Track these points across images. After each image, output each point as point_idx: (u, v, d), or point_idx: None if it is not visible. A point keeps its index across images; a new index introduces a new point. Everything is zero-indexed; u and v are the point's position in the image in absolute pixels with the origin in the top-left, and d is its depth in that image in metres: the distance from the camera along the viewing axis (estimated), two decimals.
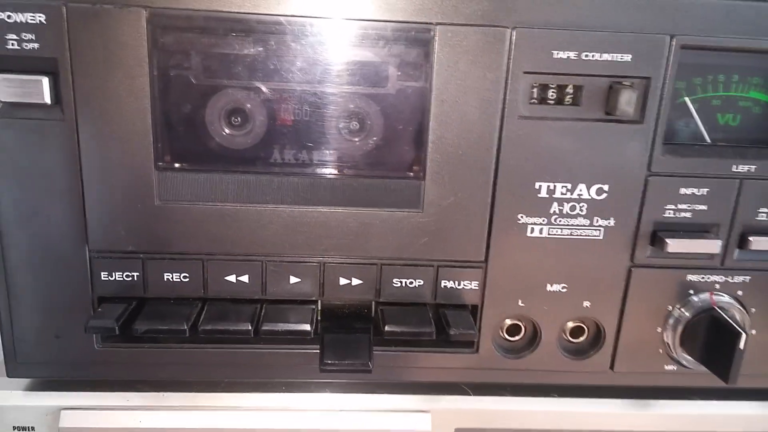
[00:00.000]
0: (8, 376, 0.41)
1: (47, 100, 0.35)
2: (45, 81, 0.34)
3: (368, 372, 0.37)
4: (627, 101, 0.37)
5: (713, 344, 0.41)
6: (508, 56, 0.37)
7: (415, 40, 0.37)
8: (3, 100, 0.34)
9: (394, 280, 0.40)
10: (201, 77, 0.37)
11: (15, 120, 0.35)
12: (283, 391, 0.43)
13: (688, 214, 0.40)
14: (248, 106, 0.38)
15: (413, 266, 0.40)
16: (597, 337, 0.43)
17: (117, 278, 0.39)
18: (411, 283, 0.40)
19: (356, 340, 0.39)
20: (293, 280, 0.40)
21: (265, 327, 0.38)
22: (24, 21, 0.34)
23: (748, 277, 0.42)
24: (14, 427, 0.42)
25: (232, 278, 0.39)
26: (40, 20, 0.34)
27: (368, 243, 0.39)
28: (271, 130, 0.38)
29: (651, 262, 0.41)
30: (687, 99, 0.40)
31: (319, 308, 0.41)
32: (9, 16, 0.33)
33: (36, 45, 0.34)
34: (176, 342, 0.40)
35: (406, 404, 0.43)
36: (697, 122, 0.41)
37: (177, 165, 0.37)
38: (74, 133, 0.36)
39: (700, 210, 0.40)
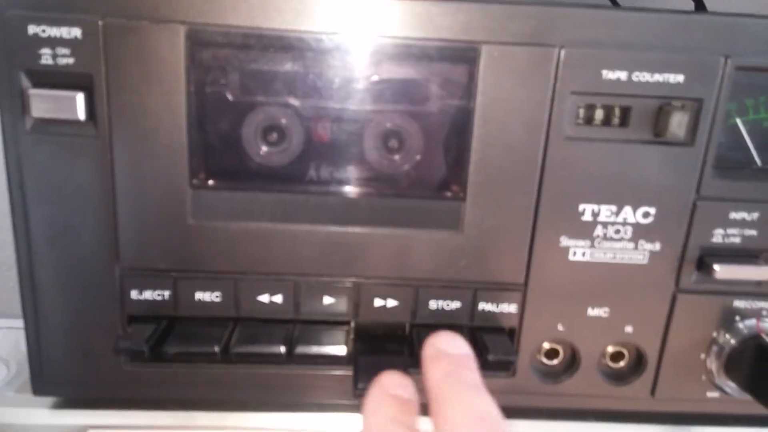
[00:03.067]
0: (34, 394, 0.40)
1: (81, 116, 0.34)
2: (79, 97, 0.33)
3: None
4: (678, 124, 0.36)
5: (759, 372, 0.40)
6: (555, 76, 0.35)
7: (459, 59, 0.35)
8: (36, 116, 0.33)
9: (431, 302, 0.39)
10: (238, 94, 0.36)
11: (47, 136, 0.34)
12: (315, 411, 0.42)
13: (737, 239, 0.39)
14: (285, 123, 0.37)
15: (451, 288, 0.39)
16: (638, 363, 0.42)
17: (147, 297, 0.38)
18: (448, 305, 0.39)
19: (390, 363, 0.38)
20: (327, 300, 0.39)
21: (299, 350, 0.37)
22: (59, 36, 0.33)
23: None
24: None
25: (264, 298, 0.38)
26: (75, 35, 0.33)
27: (405, 264, 0.38)
28: (308, 148, 0.37)
29: (697, 288, 0.40)
30: (738, 120, 0.39)
31: (353, 328, 0.40)
32: (44, 30, 0.33)
33: (71, 60, 0.33)
34: (207, 363, 0.39)
35: None
36: (748, 144, 0.39)
37: (211, 183, 0.36)
38: (108, 149, 0.35)
39: (749, 235, 0.39)
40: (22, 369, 0.59)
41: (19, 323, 0.65)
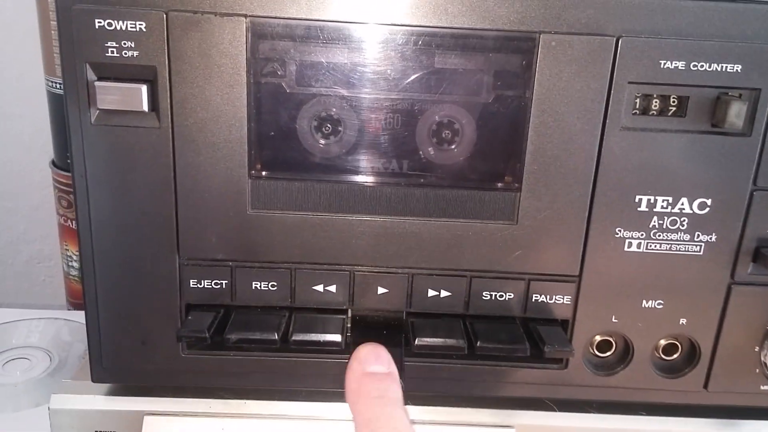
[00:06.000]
0: (93, 381, 0.41)
1: (144, 107, 0.34)
2: (143, 89, 0.34)
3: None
4: (736, 113, 0.35)
5: None
6: (613, 65, 0.35)
7: (516, 49, 0.35)
8: (101, 107, 0.34)
9: (484, 293, 0.39)
10: (295, 86, 0.36)
11: (111, 127, 0.35)
12: None
13: None
14: (341, 114, 0.37)
15: (504, 279, 0.39)
16: (691, 355, 0.41)
17: (206, 286, 0.38)
18: (501, 296, 0.39)
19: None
20: (381, 290, 0.39)
21: (355, 338, 0.37)
22: (124, 28, 0.33)
23: None
24: (97, 431, 0.42)
25: (320, 288, 0.39)
26: (140, 28, 0.33)
27: (460, 255, 0.38)
28: (363, 138, 0.37)
29: (752, 279, 0.39)
30: None
31: (404, 319, 0.41)
32: (110, 23, 0.33)
33: (135, 53, 0.34)
34: (264, 351, 0.40)
35: (489, 419, 0.42)
36: None
37: (270, 173, 0.37)
38: (169, 140, 0.35)
39: None
40: (63, 359, 0.60)
41: (59, 314, 0.67)
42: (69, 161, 0.36)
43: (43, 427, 0.48)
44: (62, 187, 0.62)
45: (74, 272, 0.65)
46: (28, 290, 0.82)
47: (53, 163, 0.63)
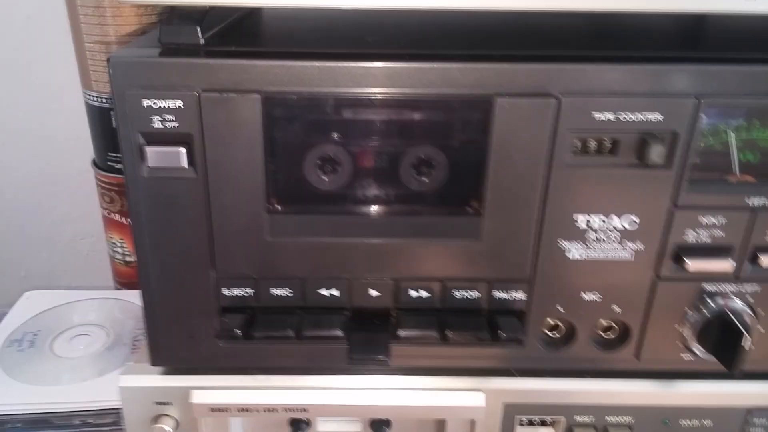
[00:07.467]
0: (152, 365, 0.52)
1: (184, 165, 0.44)
2: (183, 151, 0.43)
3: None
4: (657, 154, 0.44)
5: (723, 341, 0.49)
6: (556, 119, 0.44)
7: (476, 109, 0.44)
8: (150, 165, 0.44)
9: (456, 293, 0.49)
10: (301, 140, 0.45)
11: (159, 179, 0.45)
12: (364, 374, 0.53)
13: (707, 239, 0.48)
14: (340, 159, 0.46)
15: (471, 281, 0.49)
16: (625, 334, 0.52)
17: (236, 293, 0.49)
18: (469, 295, 0.49)
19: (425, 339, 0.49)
20: (373, 293, 0.49)
21: (354, 335, 0.48)
22: (166, 106, 0.42)
23: (758, 287, 0.50)
24: (156, 402, 0.53)
25: (325, 292, 0.49)
26: (179, 105, 0.42)
27: (435, 266, 0.48)
28: (356, 178, 0.47)
29: (674, 276, 0.49)
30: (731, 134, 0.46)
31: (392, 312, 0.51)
32: (155, 103, 0.42)
33: (176, 124, 0.43)
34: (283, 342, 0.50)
35: (462, 384, 0.53)
36: (733, 156, 0.46)
37: (282, 208, 0.47)
38: (205, 188, 0.45)
39: (717, 235, 0.48)
40: (119, 334, 0.71)
41: (110, 294, 0.77)
42: (128, 209, 0.45)
43: (106, 393, 0.60)
44: (104, 185, 0.72)
45: (119, 256, 0.76)
46: (74, 264, 0.92)
47: (94, 163, 0.72)
